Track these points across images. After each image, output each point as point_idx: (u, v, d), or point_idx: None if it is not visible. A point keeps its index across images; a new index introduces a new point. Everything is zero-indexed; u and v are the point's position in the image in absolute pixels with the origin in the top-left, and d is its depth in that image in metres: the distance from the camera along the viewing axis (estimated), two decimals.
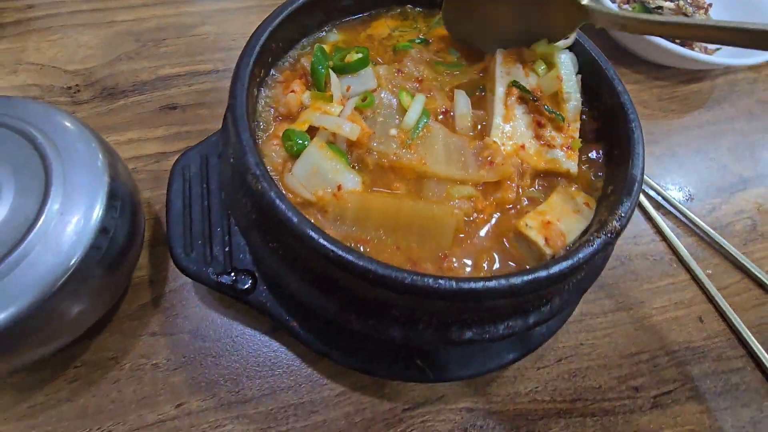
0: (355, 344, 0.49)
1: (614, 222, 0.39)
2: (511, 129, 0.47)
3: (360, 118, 0.46)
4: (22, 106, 0.50)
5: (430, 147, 0.46)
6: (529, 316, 0.41)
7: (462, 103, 0.49)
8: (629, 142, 0.45)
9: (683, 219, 0.74)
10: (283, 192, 0.39)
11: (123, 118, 0.69)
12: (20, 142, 0.46)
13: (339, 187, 0.43)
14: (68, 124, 0.50)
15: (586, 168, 0.50)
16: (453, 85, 0.52)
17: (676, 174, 0.80)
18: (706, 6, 0.91)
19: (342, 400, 0.53)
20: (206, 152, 0.57)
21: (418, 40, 0.56)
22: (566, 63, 0.50)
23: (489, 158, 0.45)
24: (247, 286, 0.49)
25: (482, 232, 0.44)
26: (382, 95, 0.48)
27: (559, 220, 0.44)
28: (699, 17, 0.90)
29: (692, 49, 0.88)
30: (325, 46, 0.50)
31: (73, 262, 0.41)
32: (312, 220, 0.37)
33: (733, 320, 0.64)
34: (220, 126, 0.70)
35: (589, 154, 0.50)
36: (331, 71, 0.48)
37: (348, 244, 0.38)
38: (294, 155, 0.45)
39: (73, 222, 0.43)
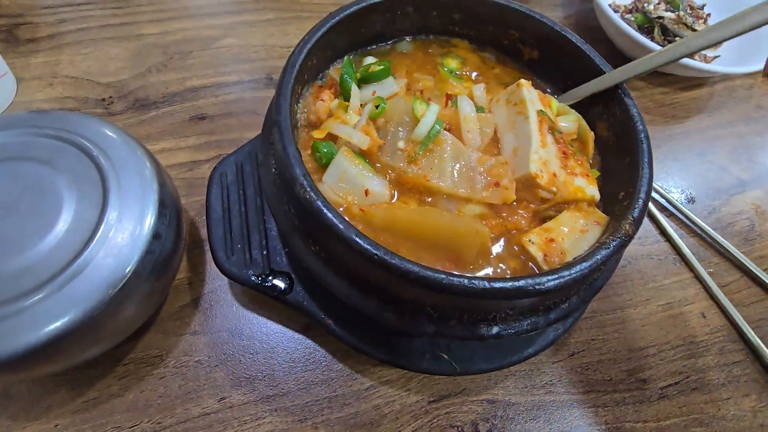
0: (387, 340, 0.52)
1: (628, 226, 0.43)
2: (546, 156, 0.48)
3: (372, 128, 0.48)
4: (72, 119, 0.53)
5: (438, 162, 0.46)
6: (551, 313, 0.45)
7: (466, 107, 0.49)
8: (639, 151, 0.49)
9: (685, 220, 0.78)
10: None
11: (155, 128, 0.73)
12: (77, 154, 0.50)
13: (366, 192, 0.46)
14: (115, 135, 0.53)
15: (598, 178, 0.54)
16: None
17: (678, 177, 0.84)
18: (705, 16, 0.96)
19: (371, 393, 0.56)
20: (241, 160, 0.61)
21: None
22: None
23: (496, 180, 0.46)
24: (285, 287, 0.53)
25: (496, 248, 0.47)
26: (398, 104, 0.48)
27: (564, 239, 0.46)
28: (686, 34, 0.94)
29: (692, 57, 0.92)
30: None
31: (130, 266, 0.45)
32: None
33: (733, 316, 0.68)
34: (247, 134, 0.74)
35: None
36: (353, 83, 0.51)
37: None
38: (324, 165, 0.48)
39: (129, 228, 0.46)
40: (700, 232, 0.77)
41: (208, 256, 0.63)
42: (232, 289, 0.61)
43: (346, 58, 0.53)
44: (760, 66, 0.86)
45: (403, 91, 0.54)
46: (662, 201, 0.80)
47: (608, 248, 0.42)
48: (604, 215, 0.50)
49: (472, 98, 0.53)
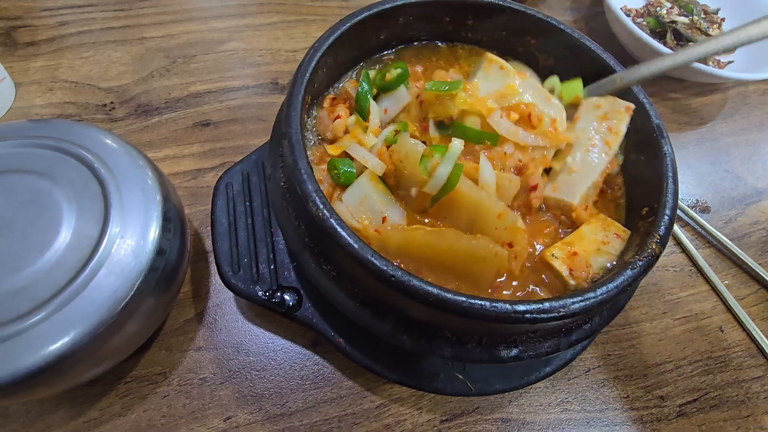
0: (399, 359, 0.51)
1: (654, 245, 0.41)
2: (592, 192, 0.49)
3: (386, 154, 0.46)
4: (73, 129, 0.51)
5: (452, 213, 0.44)
6: (572, 334, 0.43)
7: (487, 171, 0.45)
8: (663, 165, 0.47)
9: (701, 230, 0.76)
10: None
11: (158, 135, 0.71)
12: (77, 165, 0.48)
13: (384, 219, 0.44)
14: (116, 145, 0.51)
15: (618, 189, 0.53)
16: None
17: (692, 186, 0.82)
18: (719, 21, 0.94)
19: (382, 412, 0.54)
20: (247, 170, 0.59)
21: None
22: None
23: (509, 241, 0.42)
24: (293, 303, 0.51)
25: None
26: (407, 146, 0.44)
27: (587, 251, 0.45)
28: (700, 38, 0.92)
29: (705, 63, 0.90)
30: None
31: (134, 284, 0.43)
32: None
33: (751, 330, 0.66)
34: (253, 141, 0.72)
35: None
36: (371, 100, 0.50)
37: None
38: (340, 184, 0.46)
39: (132, 244, 0.44)
40: (715, 242, 0.75)
41: (213, 268, 0.61)
42: (238, 302, 0.59)
43: (363, 72, 0.51)
44: None
45: (414, 103, 0.52)
46: (677, 211, 0.78)
47: (635, 268, 0.40)
48: (623, 227, 0.48)
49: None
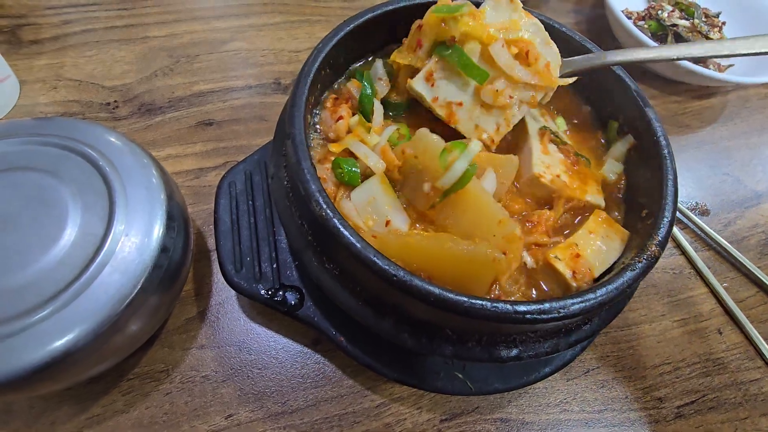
0: (399, 358, 0.51)
1: (654, 247, 0.42)
2: (549, 161, 0.50)
3: (389, 151, 0.47)
4: (78, 127, 0.52)
5: (456, 213, 0.44)
6: (571, 335, 0.44)
7: (490, 180, 0.47)
8: (663, 168, 0.47)
9: (700, 233, 0.77)
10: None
11: (161, 133, 0.71)
12: (82, 163, 0.48)
13: (387, 222, 0.45)
14: (121, 143, 0.51)
15: (616, 193, 0.53)
16: None
17: (692, 188, 0.83)
18: (720, 25, 0.94)
19: (382, 411, 0.55)
20: (249, 169, 0.59)
21: None
22: None
23: (504, 250, 0.42)
24: (295, 302, 0.52)
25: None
26: (431, 137, 0.44)
27: (589, 254, 0.45)
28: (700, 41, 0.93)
29: (706, 66, 0.91)
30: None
31: (138, 281, 0.43)
32: None
33: (750, 332, 0.67)
34: (255, 141, 0.73)
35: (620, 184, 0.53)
36: (375, 101, 0.50)
37: None
38: (344, 183, 0.47)
39: (137, 242, 0.45)
40: (715, 245, 0.75)
41: (215, 266, 0.62)
42: (240, 301, 0.60)
43: (366, 74, 0.52)
44: None
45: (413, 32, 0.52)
46: (677, 213, 0.78)
47: (635, 270, 0.40)
48: (624, 229, 0.49)
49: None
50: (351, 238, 0.38)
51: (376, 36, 0.56)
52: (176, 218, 0.50)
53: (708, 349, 0.65)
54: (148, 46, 0.81)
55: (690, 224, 0.77)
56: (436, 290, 0.36)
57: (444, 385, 0.51)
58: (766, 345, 0.66)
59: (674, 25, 0.93)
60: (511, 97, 0.48)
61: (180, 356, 0.55)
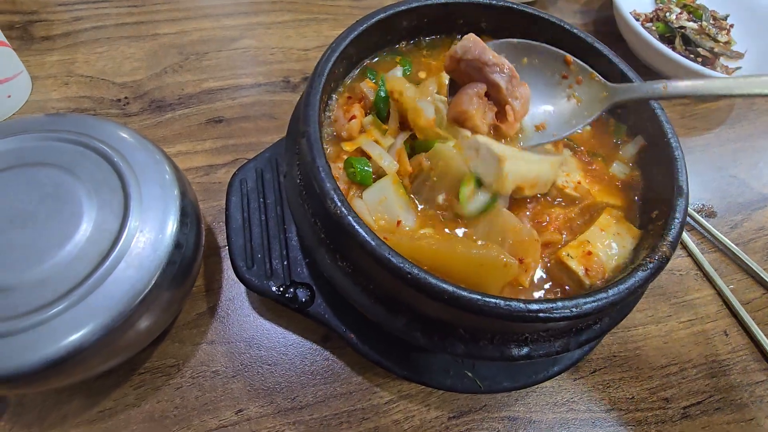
0: (409, 356, 0.51)
1: (665, 248, 0.42)
2: (567, 168, 0.51)
3: (404, 154, 0.48)
4: (91, 123, 0.52)
5: (484, 227, 0.45)
6: (582, 334, 0.44)
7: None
8: (674, 169, 0.47)
9: (707, 235, 0.77)
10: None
11: (172, 130, 0.71)
12: (97, 159, 0.48)
13: (398, 223, 0.45)
14: (134, 140, 0.52)
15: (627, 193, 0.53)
16: None
17: (699, 190, 0.83)
18: (728, 27, 0.94)
19: (391, 408, 0.55)
20: (261, 167, 0.60)
21: None
22: None
23: (521, 256, 0.43)
24: (306, 299, 0.52)
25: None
26: (445, 155, 0.45)
27: (601, 250, 0.46)
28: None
29: (714, 69, 0.91)
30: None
31: (152, 277, 0.44)
32: None
33: (756, 334, 0.67)
34: (264, 138, 0.73)
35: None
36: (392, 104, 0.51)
37: None
38: (356, 182, 0.47)
39: (151, 238, 0.45)
40: (721, 247, 0.75)
41: (226, 263, 0.62)
42: (250, 297, 0.60)
43: (381, 76, 0.52)
44: None
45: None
46: None
47: (646, 270, 0.40)
48: (634, 227, 0.49)
49: None
50: (366, 236, 0.38)
51: (388, 34, 0.56)
52: (189, 214, 0.50)
53: (714, 350, 0.66)
54: (158, 43, 0.81)
55: (697, 226, 0.78)
56: (450, 288, 0.36)
57: (453, 383, 0.51)
58: None
59: (682, 27, 0.93)
60: None
61: (190, 351, 0.55)
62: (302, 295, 0.52)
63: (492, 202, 0.45)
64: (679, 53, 0.90)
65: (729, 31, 0.95)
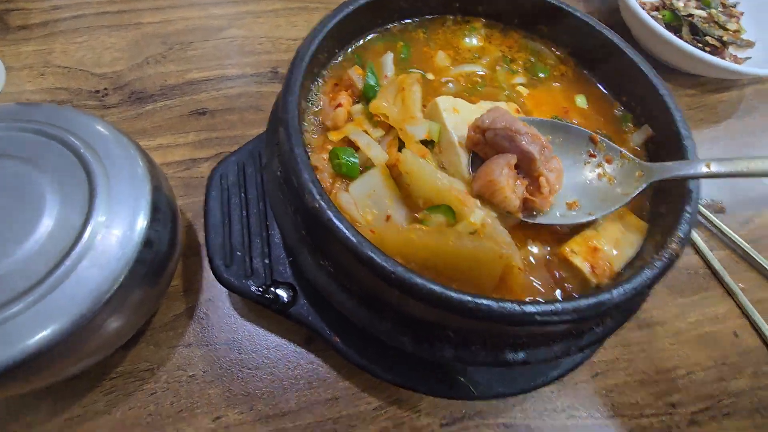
0: (398, 360, 0.48)
1: (675, 245, 0.38)
2: None
3: (395, 146, 0.45)
4: (61, 113, 0.49)
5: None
6: (583, 338, 0.40)
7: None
8: (684, 158, 0.44)
9: (716, 232, 0.73)
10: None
11: (152, 122, 0.68)
12: (62, 151, 0.45)
13: (388, 218, 0.42)
14: (106, 132, 0.49)
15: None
16: None
17: (707, 185, 0.79)
18: (738, 15, 0.90)
19: (379, 415, 0.52)
20: (242, 160, 0.56)
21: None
22: None
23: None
24: (287, 300, 0.49)
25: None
26: (417, 164, 0.42)
27: (607, 246, 0.42)
28: None
29: (723, 58, 0.87)
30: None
31: (119, 276, 0.41)
32: None
33: (767, 336, 0.63)
34: (250, 131, 0.70)
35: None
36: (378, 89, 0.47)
37: None
38: (341, 174, 0.44)
39: (118, 235, 0.42)
40: (731, 245, 0.72)
41: (206, 262, 0.59)
42: (231, 298, 0.57)
43: (369, 64, 0.49)
44: None
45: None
46: None
47: (654, 269, 0.37)
48: (642, 221, 0.46)
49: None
50: (346, 231, 0.35)
51: (378, 17, 0.53)
52: (163, 211, 0.47)
53: (723, 352, 0.62)
54: (141, 32, 0.78)
55: (705, 222, 0.74)
56: (438, 289, 0.33)
57: (445, 390, 0.48)
58: None
59: (690, 15, 0.89)
60: None
61: (166, 354, 0.52)
62: (284, 295, 0.49)
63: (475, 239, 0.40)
64: (687, 42, 0.86)
65: (739, 19, 0.91)
